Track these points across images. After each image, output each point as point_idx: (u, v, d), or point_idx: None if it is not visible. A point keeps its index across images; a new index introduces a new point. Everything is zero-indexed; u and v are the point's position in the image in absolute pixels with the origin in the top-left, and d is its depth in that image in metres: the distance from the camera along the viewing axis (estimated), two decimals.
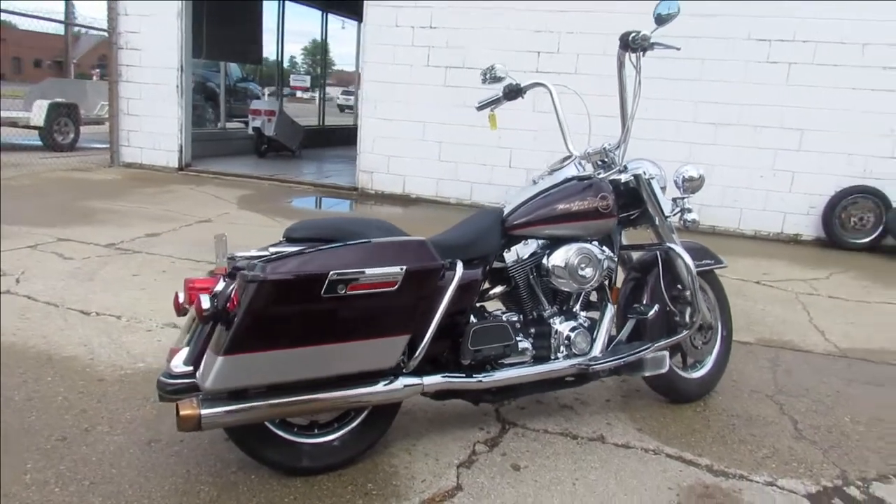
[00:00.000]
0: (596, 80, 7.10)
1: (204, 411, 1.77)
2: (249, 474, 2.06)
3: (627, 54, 2.43)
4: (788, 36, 6.53)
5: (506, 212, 2.41)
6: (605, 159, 2.60)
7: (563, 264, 2.35)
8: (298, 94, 28.45)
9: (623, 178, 2.59)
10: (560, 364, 2.35)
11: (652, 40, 2.33)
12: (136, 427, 2.31)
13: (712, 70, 6.78)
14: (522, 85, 2.74)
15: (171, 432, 2.27)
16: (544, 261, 2.37)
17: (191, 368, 1.85)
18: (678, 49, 2.40)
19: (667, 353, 2.58)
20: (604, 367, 2.40)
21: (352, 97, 20.60)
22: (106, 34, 8.99)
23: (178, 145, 8.85)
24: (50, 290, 3.67)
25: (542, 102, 7.37)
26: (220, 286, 1.85)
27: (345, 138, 14.43)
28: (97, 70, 19.16)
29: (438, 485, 2.09)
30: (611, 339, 2.49)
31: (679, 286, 2.65)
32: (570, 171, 2.53)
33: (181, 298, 1.96)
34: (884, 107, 6.41)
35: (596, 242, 2.48)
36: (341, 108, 28.83)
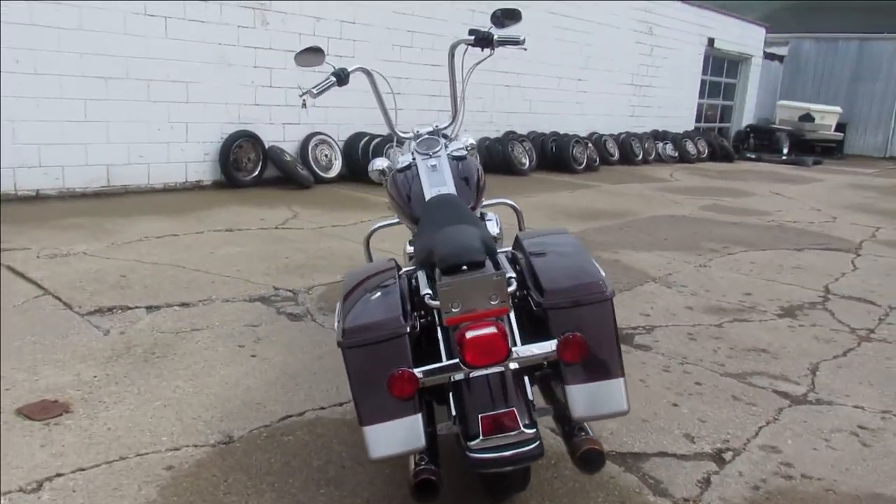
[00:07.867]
0: None
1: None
2: None
3: (461, 47, 2.83)
4: None
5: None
6: (435, 136, 2.95)
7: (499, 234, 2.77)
8: None
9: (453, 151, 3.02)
10: None
11: (496, 38, 2.79)
12: None
13: (93, 19, 6.30)
14: (349, 70, 2.79)
15: None
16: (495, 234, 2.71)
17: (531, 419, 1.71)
18: (525, 49, 2.96)
19: None
20: None
21: None
22: None
23: None
24: None
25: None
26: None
27: None
28: None
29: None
30: None
31: None
32: (445, 150, 2.84)
33: (420, 375, 1.66)
34: (271, 62, 7.53)
35: None
36: None
